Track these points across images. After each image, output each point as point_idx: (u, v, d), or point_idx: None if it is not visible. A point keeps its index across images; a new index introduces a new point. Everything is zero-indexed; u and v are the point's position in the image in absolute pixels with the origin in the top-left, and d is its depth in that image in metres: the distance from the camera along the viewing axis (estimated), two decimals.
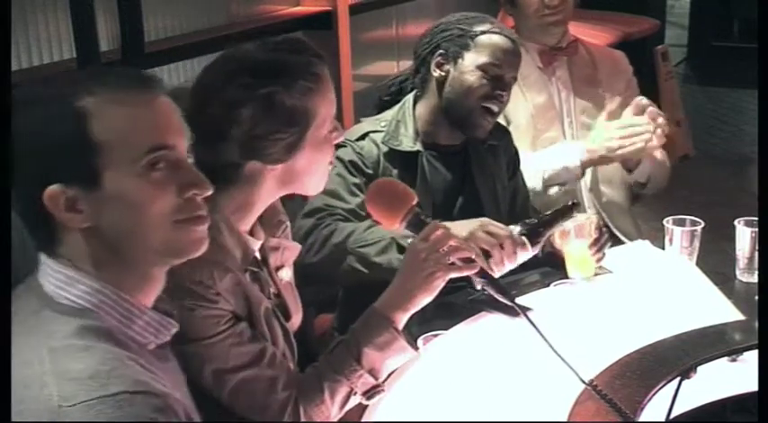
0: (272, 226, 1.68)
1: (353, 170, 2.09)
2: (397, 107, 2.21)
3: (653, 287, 2.03)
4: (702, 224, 2.13)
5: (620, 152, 2.43)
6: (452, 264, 1.55)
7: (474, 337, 1.83)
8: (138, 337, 1.19)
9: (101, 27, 2.61)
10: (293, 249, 1.72)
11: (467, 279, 1.60)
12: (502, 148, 2.31)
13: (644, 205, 2.97)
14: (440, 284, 1.56)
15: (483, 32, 2.13)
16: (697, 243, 2.12)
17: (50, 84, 1.24)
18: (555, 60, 2.70)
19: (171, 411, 1.09)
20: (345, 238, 1.96)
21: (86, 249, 1.17)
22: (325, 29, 3.68)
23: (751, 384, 1.55)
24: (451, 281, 1.58)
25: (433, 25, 2.22)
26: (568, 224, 2.00)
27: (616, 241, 2.56)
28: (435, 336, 1.75)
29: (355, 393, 1.55)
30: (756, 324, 1.73)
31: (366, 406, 1.58)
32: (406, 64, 2.45)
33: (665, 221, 2.15)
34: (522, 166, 2.38)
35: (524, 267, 2.04)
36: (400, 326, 1.57)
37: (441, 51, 2.15)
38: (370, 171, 2.10)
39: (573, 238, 2.03)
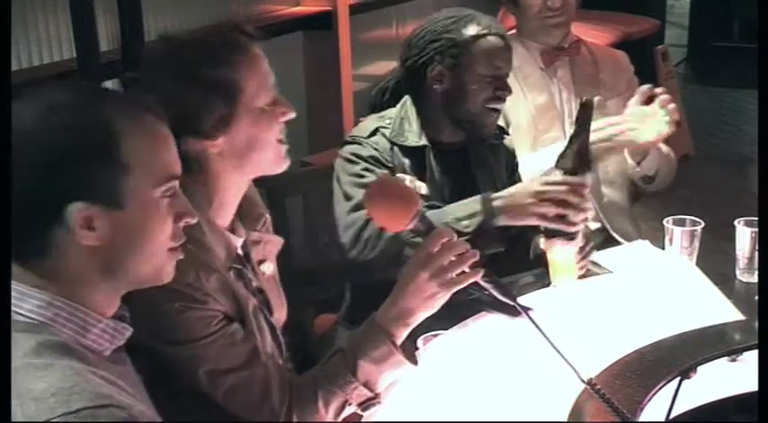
0: (251, 220, 1.68)
1: (377, 164, 2.10)
2: (399, 105, 2.21)
3: (653, 287, 2.03)
4: (702, 224, 2.13)
5: (618, 138, 2.42)
6: (456, 276, 1.52)
7: (474, 337, 1.83)
8: (94, 344, 1.18)
9: (101, 27, 2.61)
10: (275, 242, 1.72)
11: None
12: (502, 147, 2.31)
13: (644, 205, 2.96)
14: (442, 302, 1.55)
15: (474, 38, 2.11)
16: (697, 243, 2.12)
17: (80, 91, 1.22)
18: (557, 60, 2.69)
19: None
20: None
21: (80, 266, 1.16)
22: (325, 29, 3.67)
23: (751, 384, 1.55)
24: None
25: (418, 31, 2.17)
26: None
27: (615, 242, 2.56)
28: (435, 336, 1.75)
29: (350, 404, 1.54)
30: (756, 324, 1.73)
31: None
32: None
33: (665, 221, 2.15)
34: (523, 166, 2.38)
35: (518, 269, 2.05)
36: (399, 340, 1.56)
37: (435, 65, 2.13)
38: (390, 164, 2.11)
39: (558, 245, 2.00)
